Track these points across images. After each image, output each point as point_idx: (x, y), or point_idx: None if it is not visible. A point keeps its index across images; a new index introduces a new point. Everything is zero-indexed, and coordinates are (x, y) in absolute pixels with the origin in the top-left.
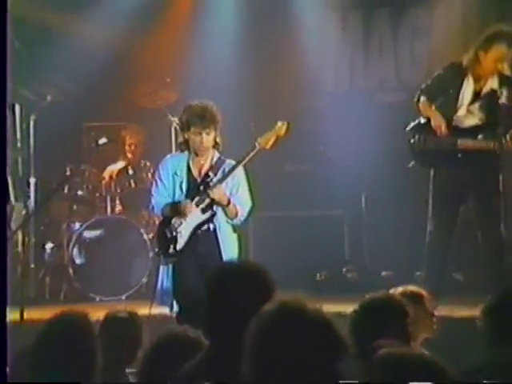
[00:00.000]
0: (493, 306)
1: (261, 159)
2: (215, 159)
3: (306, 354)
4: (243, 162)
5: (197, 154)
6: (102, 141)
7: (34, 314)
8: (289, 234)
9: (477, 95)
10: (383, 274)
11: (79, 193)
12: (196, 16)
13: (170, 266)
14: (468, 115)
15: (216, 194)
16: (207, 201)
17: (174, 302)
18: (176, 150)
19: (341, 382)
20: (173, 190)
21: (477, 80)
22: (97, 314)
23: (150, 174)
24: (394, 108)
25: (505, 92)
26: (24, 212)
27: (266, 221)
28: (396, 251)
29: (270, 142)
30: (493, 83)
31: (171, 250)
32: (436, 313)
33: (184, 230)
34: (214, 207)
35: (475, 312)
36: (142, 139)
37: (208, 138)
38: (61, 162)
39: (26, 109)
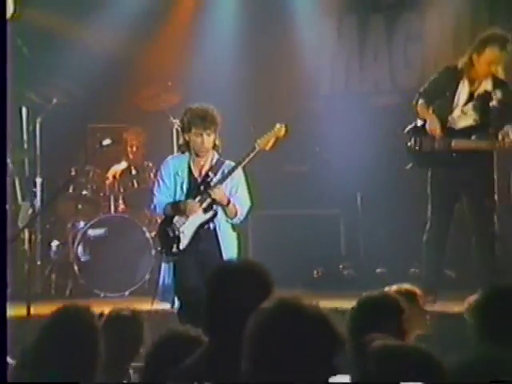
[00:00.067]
0: (480, 302)
1: (260, 160)
2: (215, 160)
3: (304, 349)
4: (243, 163)
5: (197, 155)
6: (106, 142)
7: (40, 309)
8: (287, 232)
9: (471, 97)
10: (378, 270)
11: (84, 192)
12: (196, 23)
13: (172, 264)
14: (462, 116)
15: (217, 194)
16: (208, 200)
17: (175, 299)
18: (177, 152)
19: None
20: (174, 190)
21: (472, 82)
22: (101, 309)
23: (152, 175)
24: (389, 110)
25: (498, 94)
26: (30, 211)
27: (265, 219)
28: (390, 249)
29: (270, 144)
30: (487, 85)
31: (174, 249)
32: (430, 308)
33: (187, 230)
34: (215, 207)
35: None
36: (144, 140)
37: (209, 139)
38: (66, 162)
39: (32, 111)
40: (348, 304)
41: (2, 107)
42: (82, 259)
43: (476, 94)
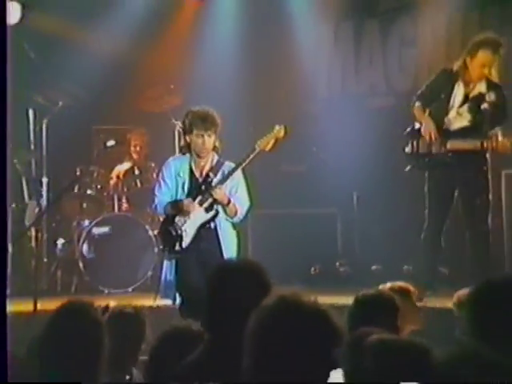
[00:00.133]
0: (471, 294)
1: (258, 160)
2: (215, 161)
3: (305, 344)
4: (244, 164)
5: (198, 156)
6: (110, 143)
7: (46, 305)
8: (285, 231)
9: (467, 98)
10: (373, 267)
11: (88, 192)
12: (197, 28)
13: (174, 262)
14: (458, 117)
15: (218, 194)
16: (210, 200)
17: (177, 295)
18: (178, 153)
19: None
20: (175, 191)
21: (467, 84)
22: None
23: (154, 175)
24: (384, 112)
25: (491, 96)
26: (37, 210)
27: (264, 218)
28: (385, 247)
29: (269, 145)
30: (481, 87)
31: (177, 248)
32: (422, 304)
33: (189, 229)
34: (215, 206)
35: None
36: (147, 141)
37: (209, 140)
38: (71, 163)
39: (39, 113)
40: (344, 300)
41: (2, 108)
42: (87, 256)
43: (471, 96)
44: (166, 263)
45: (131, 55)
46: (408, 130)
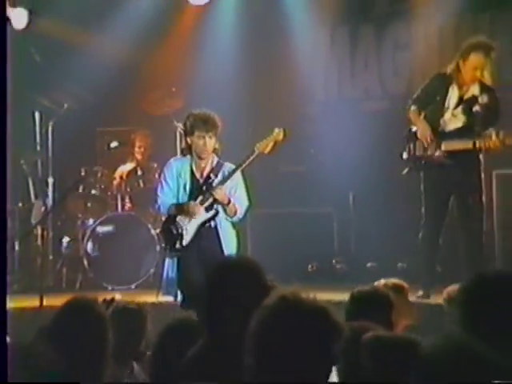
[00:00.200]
0: (462, 292)
1: (258, 161)
2: (215, 162)
3: (306, 341)
4: (244, 166)
5: (199, 158)
6: (114, 144)
7: (52, 301)
8: (283, 230)
9: (461, 100)
10: (368, 265)
11: (93, 192)
12: (198, 33)
13: (175, 260)
14: (452, 119)
15: (219, 194)
16: (210, 200)
17: (178, 292)
18: (180, 155)
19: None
20: (177, 191)
21: (460, 87)
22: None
23: (156, 175)
24: (379, 115)
25: (484, 98)
26: (43, 209)
27: (263, 217)
28: (380, 245)
29: (269, 148)
30: (474, 90)
31: (178, 246)
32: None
33: (189, 227)
34: (215, 206)
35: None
36: (149, 143)
37: (210, 141)
38: (76, 163)
39: (45, 116)
40: (340, 296)
41: (3, 108)
42: (91, 254)
43: (465, 98)
44: (167, 261)
45: (134, 59)
46: (405, 133)
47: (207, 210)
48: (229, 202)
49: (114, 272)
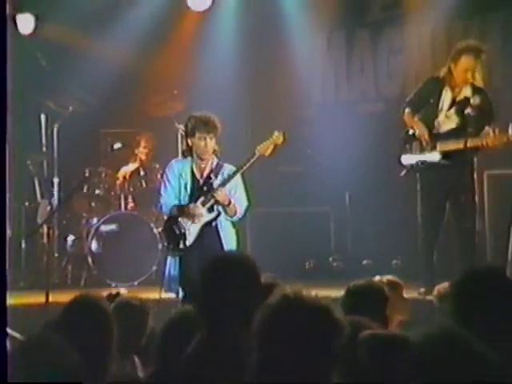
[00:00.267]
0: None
1: (257, 161)
2: (215, 164)
3: (309, 339)
4: (244, 168)
5: (200, 159)
6: (117, 146)
7: (57, 297)
8: (281, 228)
9: (454, 102)
10: (364, 262)
11: (97, 191)
12: (199, 37)
13: (177, 257)
14: (446, 120)
15: (220, 195)
16: (212, 201)
17: (180, 289)
18: (181, 156)
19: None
20: (179, 191)
21: (453, 89)
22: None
23: (158, 175)
24: (374, 117)
25: (476, 100)
26: (49, 208)
27: (262, 217)
28: (375, 243)
29: (269, 150)
30: (467, 92)
31: (181, 246)
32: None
33: (192, 228)
34: (216, 207)
35: None
36: (151, 144)
37: (211, 142)
38: (81, 164)
39: (50, 118)
40: (337, 293)
41: (3, 108)
42: (96, 252)
43: (457, 100)
44: (169, 259)
45: (137, 63)
46: (402, 135)
47: (209, 210)
48: (229, 202)
49: (118, 269)
